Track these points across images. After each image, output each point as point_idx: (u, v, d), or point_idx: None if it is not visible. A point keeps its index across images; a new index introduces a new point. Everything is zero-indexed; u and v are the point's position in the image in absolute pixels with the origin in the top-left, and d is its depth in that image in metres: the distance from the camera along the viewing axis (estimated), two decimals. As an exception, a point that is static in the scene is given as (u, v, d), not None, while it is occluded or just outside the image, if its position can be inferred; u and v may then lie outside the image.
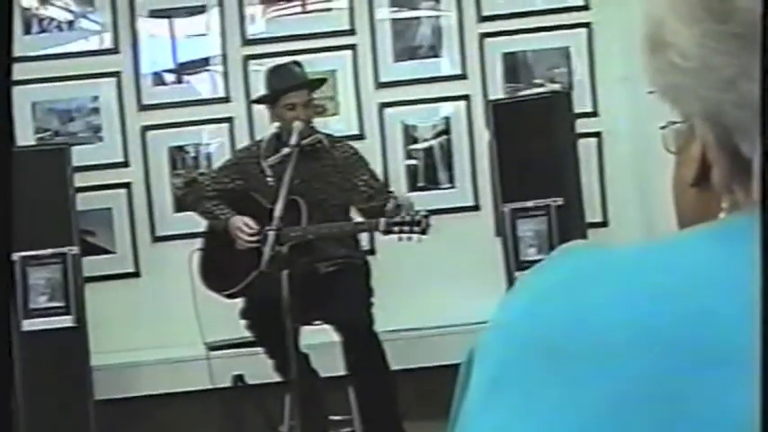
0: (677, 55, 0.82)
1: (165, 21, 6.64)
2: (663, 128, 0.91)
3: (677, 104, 0.85)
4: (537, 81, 6.61)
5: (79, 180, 5.87)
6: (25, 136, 6.32)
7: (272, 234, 4.93)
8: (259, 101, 5.71)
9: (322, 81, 5.83)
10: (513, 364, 0.79)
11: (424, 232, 4.97)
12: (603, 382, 0.75)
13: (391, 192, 5.46)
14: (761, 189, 0.62)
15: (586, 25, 6.61)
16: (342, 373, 5.22)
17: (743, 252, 0.76)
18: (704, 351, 0.74)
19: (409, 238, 4.97)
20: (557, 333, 0.78)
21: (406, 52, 6.66)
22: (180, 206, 6.37)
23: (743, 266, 0.76)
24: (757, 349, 0.62)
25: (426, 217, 4.99)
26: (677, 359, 0.74)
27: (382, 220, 5.02)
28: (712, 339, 0.74)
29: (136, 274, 6.55)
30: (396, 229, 4.98)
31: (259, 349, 5.31)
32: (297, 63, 5.55)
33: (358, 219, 5.43)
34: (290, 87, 5.33)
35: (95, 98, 6.57)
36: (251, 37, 6.64)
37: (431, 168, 6.64)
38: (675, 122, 0.89)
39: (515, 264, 5.71)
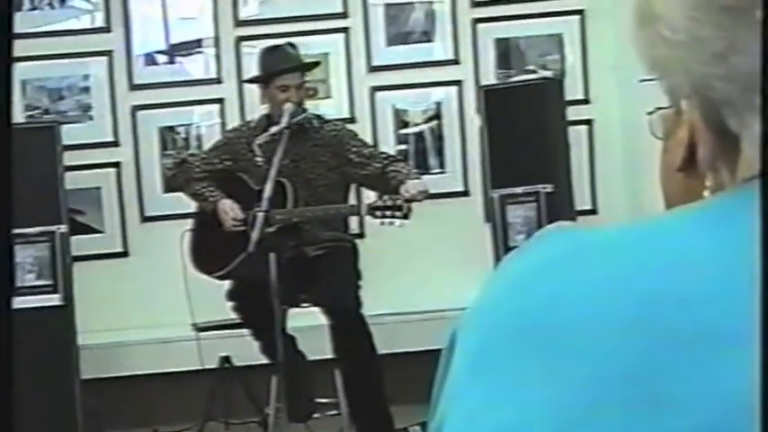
0: (666, 28, 0.82)
1: (158, 0, 6.61)
2: (650, 113, 0.91)
3: (665, 79, 0.85)
4: (529, 67, 6.61)
5: (68, 159, 5.84)
6: (14, 113, 6.28)
7: (260, 216, 4.93)
8: (252, 81, 5.69)
9: (315, 64, 5.82)
10: (494, 343, 0.79)
11: (406, 217, 4.95)
12: (583, 362, 0.75)
13: (400, 160, 5.47)
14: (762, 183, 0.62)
15: (579, 12, 6.61)
16: (329, 355, 5.22)
17: (727, 233, 0.76)
18: (684, 331, 0.74)
19: (391, 223, 4.96)
20: (538, 314, 0.78)
21: (398, 36, 6.65)
22: (169, 186, 6.36)
23: (726, 247, 0.75)
24: (757, 331, 0.62)
25: (408, 201, 4.98)
26: (657, 340, 0.74)
27: (364, 204, 5.02)
28: (693, 320, 0.74)
29: (124, 254, 6.55)
30: (378, 213, 4.97)
31: (246, 331, 5.30)
32: (291, 45, 5.53)
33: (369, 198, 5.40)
34: (284, 70, 5.32)
35: (86, 77, 6.55)
36: (243, 18, 6.62)
37: (421, 153, 6.64)
38: (662, 108, 0.88)
39: (504, 250, 5.70)
